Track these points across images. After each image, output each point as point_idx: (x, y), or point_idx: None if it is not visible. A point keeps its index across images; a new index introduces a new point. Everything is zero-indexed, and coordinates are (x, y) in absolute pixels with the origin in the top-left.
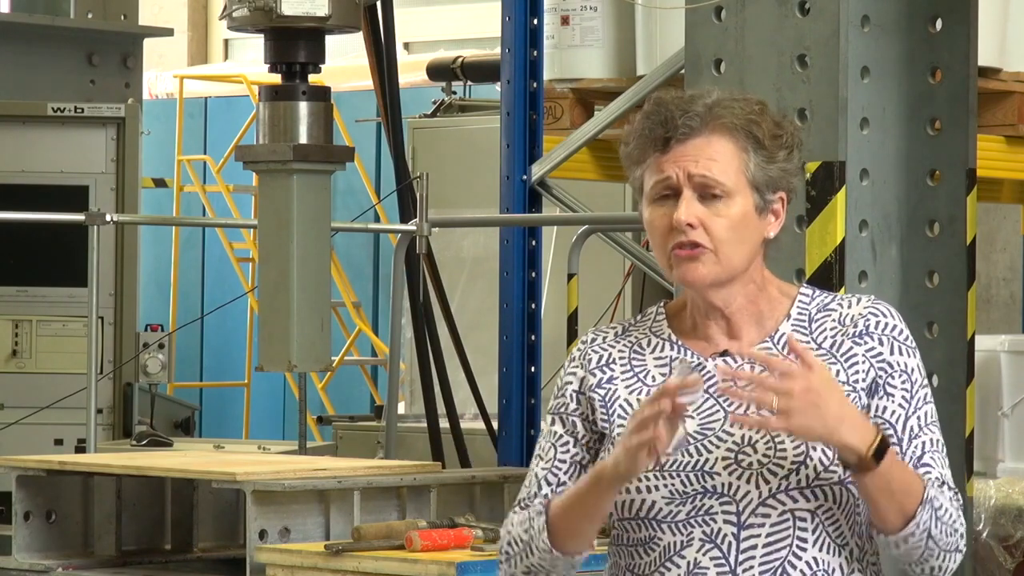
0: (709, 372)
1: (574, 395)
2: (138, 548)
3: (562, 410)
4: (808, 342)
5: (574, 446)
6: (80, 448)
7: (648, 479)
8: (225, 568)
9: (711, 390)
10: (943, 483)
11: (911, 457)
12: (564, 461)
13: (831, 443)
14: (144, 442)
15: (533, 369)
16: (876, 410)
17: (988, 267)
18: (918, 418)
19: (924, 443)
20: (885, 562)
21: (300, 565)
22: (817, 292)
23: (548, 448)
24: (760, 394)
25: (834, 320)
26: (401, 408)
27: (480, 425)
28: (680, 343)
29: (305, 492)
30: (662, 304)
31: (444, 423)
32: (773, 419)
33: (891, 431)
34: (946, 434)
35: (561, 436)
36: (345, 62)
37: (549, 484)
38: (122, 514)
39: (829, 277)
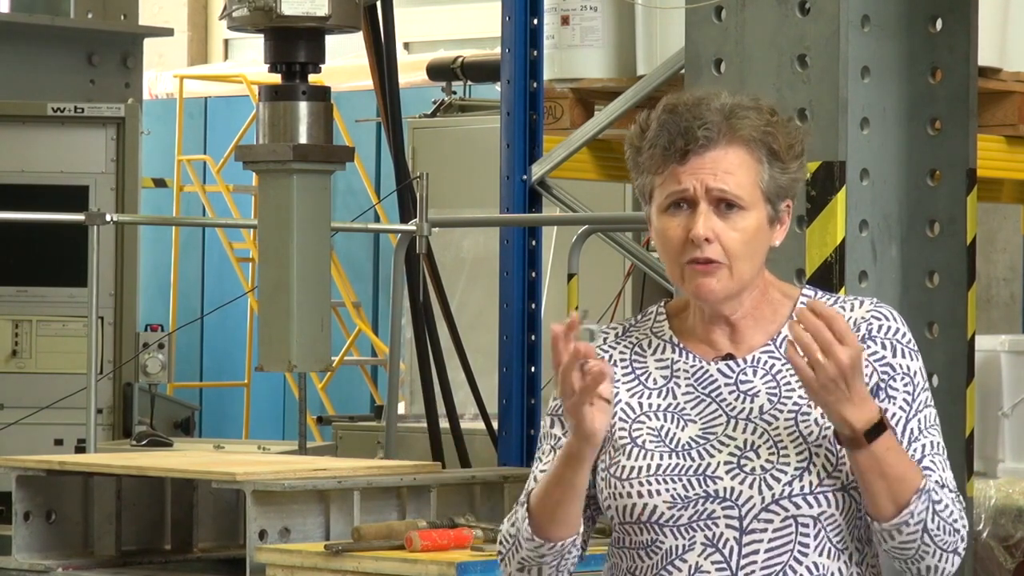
0: (712, 376)
1: None
2: (138, 548)
3: (560, 412)
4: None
5: None
6: (80, 448)
7: (650, 483)
8: (225, 568)
9: (713, 394)
10: (943, 486)
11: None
12: None
13: (828, 412)
14: (144, 442)
15: (533, 369)
16: None
17: (988, 267)
18: (919, 421)
19: (924, 446)
20: (884, 563)
21: (300, 565)
22: (820, 294)
23: (548, 450)
24: (807, 340)
25: None
26: (401, 408)
27: (480, 425)
28: (682, 346)
29: (305, 492)
30: (662, 304)
31: (444, 423)
32: (807, 371)
33: None
34: (946, 434)
35: (559, 438)
36: (345, 62)
37: None
38: (122, 514)
39: (829, 277)
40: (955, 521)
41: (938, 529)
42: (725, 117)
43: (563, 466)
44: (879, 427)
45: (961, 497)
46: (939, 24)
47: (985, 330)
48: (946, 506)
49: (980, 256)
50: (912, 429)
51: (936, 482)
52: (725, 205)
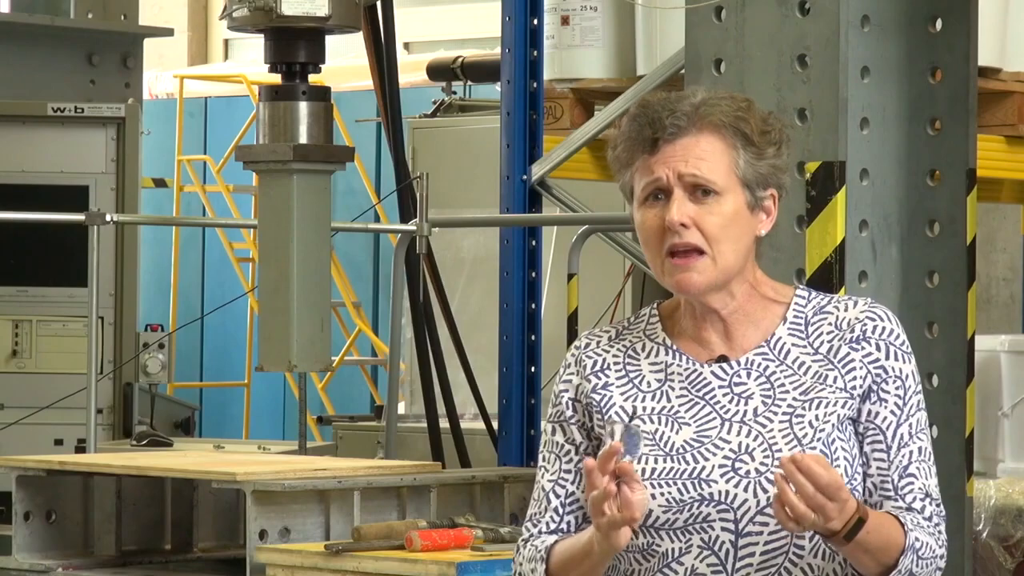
0: (706, 379)
1: (570, 403)
2: (138, 548)
3: (560, 418)
4: (804, 346)
5: (576, 454)
6: (80, 448)
7: (645, 488)
8: (225, 568)
9: (707, 397)
10: (926, 494)
11: (897, 466)
12: (569, 471)
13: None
14: (144, 442)
15: (533, 369)
16: (868, 415)
17: (988, 267)
18: (909, 426)
19: (912, 452)
20: None
21: (300, 565)
22: (813, 294)
23: (553, 459)
24: (796, 491)
25: (831, 324)
26: (401, 408)
27: (480, 425)
28: (675, 348)
29: (305, 492)
30: (655, 305)
31: (444, 423)
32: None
33: (880, 437)
34: (946, 434)
35: (563, 445)
36: (345, 62)
37: (557, 496)
38: (122, 514)
39: (829, 277)
40: (934, 552)
41: (921, 569)
42: (695, 107)
43: (585, 559)
44: (859, 524)
45: (942, 508)
46: (939, 24)
47: (985, 330)
48: (926, 545)
49: (980, 256)
50: (902, 434)
51: (920, 488)
52: (701, 191)
